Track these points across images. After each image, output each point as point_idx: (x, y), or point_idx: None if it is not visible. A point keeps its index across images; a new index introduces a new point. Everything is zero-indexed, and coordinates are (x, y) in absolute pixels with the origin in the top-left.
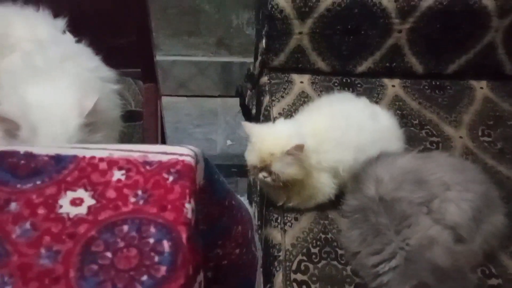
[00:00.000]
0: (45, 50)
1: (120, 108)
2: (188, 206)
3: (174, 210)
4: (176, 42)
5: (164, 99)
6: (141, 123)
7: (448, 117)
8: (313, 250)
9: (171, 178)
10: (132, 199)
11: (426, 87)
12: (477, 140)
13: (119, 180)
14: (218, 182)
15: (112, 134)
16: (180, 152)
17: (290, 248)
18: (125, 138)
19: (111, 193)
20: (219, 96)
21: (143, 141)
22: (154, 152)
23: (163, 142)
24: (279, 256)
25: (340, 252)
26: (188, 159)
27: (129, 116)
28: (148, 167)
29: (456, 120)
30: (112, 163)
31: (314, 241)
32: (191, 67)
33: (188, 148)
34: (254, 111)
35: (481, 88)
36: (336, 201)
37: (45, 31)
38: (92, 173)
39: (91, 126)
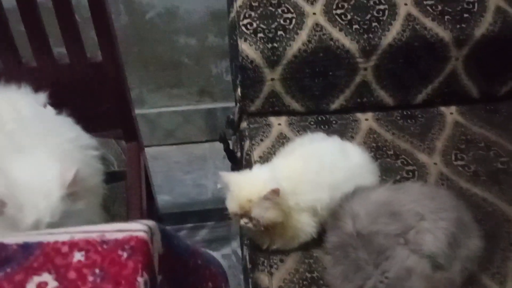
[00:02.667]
0: (27, 127)
1: (101, 173)
2: (140, 280)
3: (127, 285)
4: (160, 94)
5: (153, 149)
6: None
7: (422, 145)
8: None
9: (125, 255)
10: (91, 278)
11: (398, 118)
12: (451, 165)
13: (79, 261)
14: (179, 247)
15: (95, 200)
16: (134, 228)
17: None
18: (109, 200)
19: (72, 274)
20: (206, 141)
21: (127, 200)
22: (111, 230)
23: (150, 197)
24: None
25: None
26: (141, 234)
27: (112, 177)
28: (105, 246)
29: (429, 147)
30: (73, 246)
31: (301, 281)
32: (177, 116)
33: (142, 223)
34: (239, 154)
35: (451, 113)
36: (319, 239)
37: (27, 108)
38: (56, 257)
39: (73, 195)
